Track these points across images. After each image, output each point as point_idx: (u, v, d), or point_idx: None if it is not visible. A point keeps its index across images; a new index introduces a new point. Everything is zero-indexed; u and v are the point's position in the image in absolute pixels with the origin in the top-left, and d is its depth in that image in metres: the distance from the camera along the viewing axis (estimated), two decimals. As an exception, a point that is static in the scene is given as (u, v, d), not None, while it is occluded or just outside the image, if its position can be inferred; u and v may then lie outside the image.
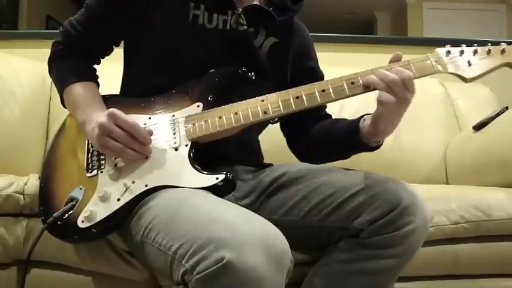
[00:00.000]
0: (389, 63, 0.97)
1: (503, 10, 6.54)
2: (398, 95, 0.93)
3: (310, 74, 1.21)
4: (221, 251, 0.71)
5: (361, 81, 0.96)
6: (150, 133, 0.98)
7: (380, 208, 0.94)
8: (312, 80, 1.15)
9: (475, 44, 0.99)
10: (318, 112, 1.23)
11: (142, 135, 0.96)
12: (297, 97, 0.97)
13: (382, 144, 1.08)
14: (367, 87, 0.96)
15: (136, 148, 0.96)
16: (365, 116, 1.05)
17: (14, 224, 1.13)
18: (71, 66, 1.14)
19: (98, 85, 1.15)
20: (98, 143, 0.98)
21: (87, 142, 1.06)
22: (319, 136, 1.18)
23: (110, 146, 0.96)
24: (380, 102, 0.95)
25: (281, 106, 0.97)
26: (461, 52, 0.98)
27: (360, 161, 1.75)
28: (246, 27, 1.10)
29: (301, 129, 1.21)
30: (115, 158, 1.00)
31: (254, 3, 1.13)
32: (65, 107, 1.14)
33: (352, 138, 1.07)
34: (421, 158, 1.85)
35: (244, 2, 1.11)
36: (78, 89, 1.09)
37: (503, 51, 0.97)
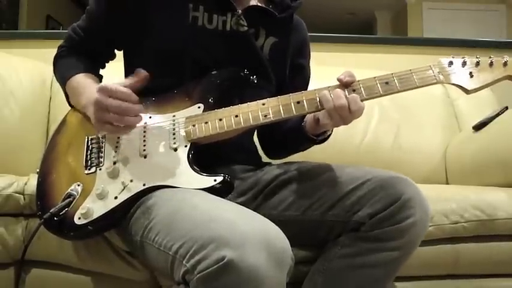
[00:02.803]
0: (342, 81, 0.97)
1: (503, 10, 6.55)
2: (343, 118, 0.94)
3: (298, 71, 1.22)
4: (222, 250, 0.71)
5: (361, 87, 0.96)
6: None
7: (381, 201, 0.95)
8: (299, 76, 1.17)
9: (477, 56, 0.99)
10: None
11: (134, 99, 0.96)
12: (298, 102, 0.97)
13: (326, 139, 1.09)
14: (370, 93, 0.95)
15: (133, 113, 0.95)
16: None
17: (14, 224, 1.13)
18: (75, 62, 1.15)
19: (101, 81, 1.16)
20: (96, 119, 0.97)
21: (86, 139, 1.06)
22: (276, 130, 1.19)
23: (108, 119, 0.95)
24: (319, 119, 0.96)
25: (282, 110, 0.97)
26: (464, 63, 0.98)
27: (360, 161, 1.77)
28: (246, 28, 1.10)
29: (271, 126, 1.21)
30: (114, 157, 1.00)
31: (253, 3, 1.13)
32: (69, 105, 1.15)
33: (297, 129, 1.09)
34: (421, 158, 1.85)
35: (244, 3, 1.11)
36: (80, 78, 1.11)
37: (505, 63, 0.98)
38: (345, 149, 1.77)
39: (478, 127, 1.68)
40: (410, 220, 0.94)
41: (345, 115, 0.93)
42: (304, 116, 1.06)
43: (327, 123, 0.95)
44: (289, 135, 1.15)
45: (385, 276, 1.00)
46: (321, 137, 1.08)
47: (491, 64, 0.98)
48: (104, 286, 1.17)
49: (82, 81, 1.10)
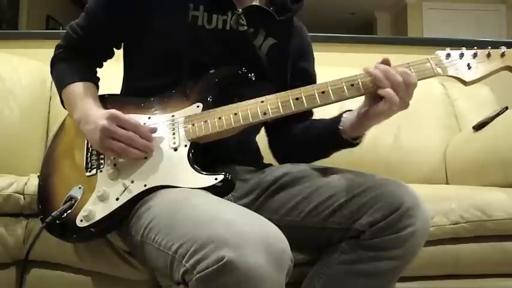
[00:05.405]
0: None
1: (503, 10, 6.56)
2: (401, 97, 0.93)
3: (301, 74, 1.20)
4: (221, 250, 0.71)
5: (360, 82, 0.96)
6: (153, 130, 0.99)
7: (381, 210, 0.94)
8: (303, 81, 1.14)
9: (475, 47, 0.99)
10: (301, 113, 1.19)
11: (145, 133, 0.97)
12: (297, 98, 0.97)
13: (361, 142, 1.07)
14: (368, 88, 0.96)
15: (139, 146, 0.96)
16: (347, 112, 1.05)
17: (14, 224, 1.13)
18: (72, 67, 1.15)
19: (98, 87, 1.15)
20: (100, 146, 0.99)
21: (86, 141, 1.06)
22: (298, 134, 1.17)
23: (114, 147, 0.96)
24: (383, 98, 0.94)
25: (280, 107, 0.97)
26: (461, 55, 0.98)
27: (360, 161, 1.77)
28: (246, 27, 1.10)
29: (283, 129, 1.19)
30: (114, 158, 1.00)
31: (254, 3, 1.13)
32: (64, 107, 1.15)
33: (330, 133, 1.06)
34: (421, 158, 1.85)
35: (244, 2, 1.11)
36: (75, 88, 1.10)
37: (503, 54, 0.97)
38: (345, 149, 1.76)
39: (478, 127, 1.68)
40: (410, 229, 0.93)
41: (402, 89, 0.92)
42: (336, 121, 1.05)
43: (394, 102, 0.93)
44: (317, 142, 1.13)
45: (384, 284, 0.99)
46: (358, 140, 1.06)
47: (489, 55, 0.98)
48: (104, 286, 1.17)
49: (77, 92, 1.09)
